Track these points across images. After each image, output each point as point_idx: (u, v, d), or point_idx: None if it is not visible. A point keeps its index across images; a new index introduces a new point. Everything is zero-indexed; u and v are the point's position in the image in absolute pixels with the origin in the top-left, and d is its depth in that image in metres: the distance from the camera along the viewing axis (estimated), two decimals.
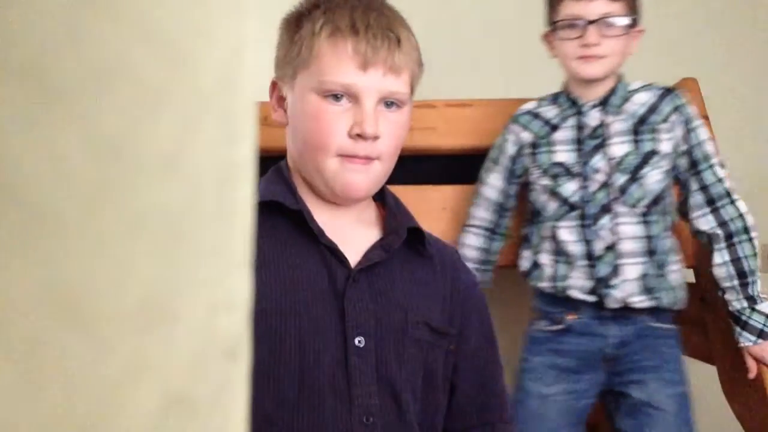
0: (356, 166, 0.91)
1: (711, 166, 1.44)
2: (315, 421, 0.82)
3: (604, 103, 1.47)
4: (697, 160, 1.44)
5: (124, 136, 0.21)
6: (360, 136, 0.90)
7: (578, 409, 1.47)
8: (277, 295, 0.86)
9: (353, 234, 0.95)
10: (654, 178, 1.42)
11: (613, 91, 1.47)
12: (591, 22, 1.40)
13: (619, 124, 1.45)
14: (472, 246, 1.62)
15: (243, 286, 0.27)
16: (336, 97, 0.91)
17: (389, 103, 0.93)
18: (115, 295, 0.21)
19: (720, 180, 1.44)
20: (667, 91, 1.48)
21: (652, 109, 1.45)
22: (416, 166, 1.67)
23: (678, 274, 1.47)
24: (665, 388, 1.40)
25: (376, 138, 0.91)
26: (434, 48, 2.07)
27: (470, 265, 1.59)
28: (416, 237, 0.98)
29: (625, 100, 1.47)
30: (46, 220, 0.19)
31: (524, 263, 1.55)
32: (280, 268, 0.88)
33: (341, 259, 0.90)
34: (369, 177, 0.93)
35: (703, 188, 1.44)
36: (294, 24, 0.96)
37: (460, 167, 1.76)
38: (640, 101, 1.47)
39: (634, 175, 1.42)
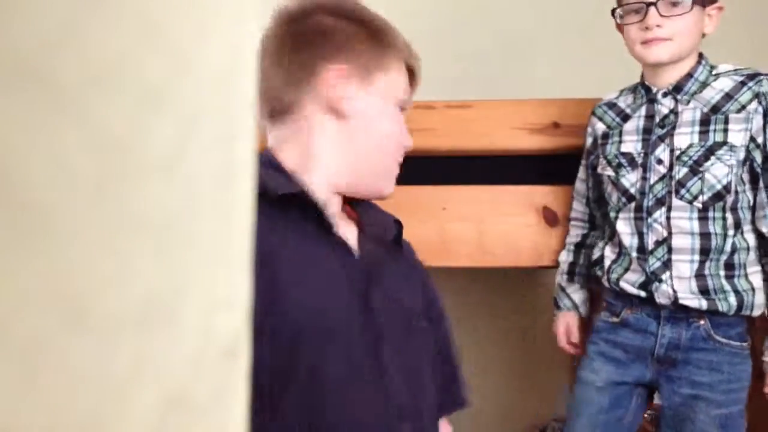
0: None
1: None
2: (360, 416, 0.83)
3: (678, 89, 1.37)
4: None
5: (126, 135, 0.21)
6: (404, 148, 1.00)
7: (623, 400, 1.44)
8: (312, 294, 0.85)
9: (345, 228, 0.95)
10: (718, 171, 1.31)
11: (689, 76, 1.36)
12: (651, 4, 1.32)
13: (688, 113, 1.35)
14: (569, 236, 1.64)
15: (242, 286, 0.27)
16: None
17: None
18: (117, 295, 0.21)
19: None
20: (751, 77, 1.34)
21: (729, 96, 1.33)
22: (416, 166, 1.67)
23: (755, 277, 1.36)
24: (711, 409, 1.34)
25: None
26: (435, 49, 2.07)
27: (564, 254, 1.64)
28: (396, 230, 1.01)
29: (704, 85, 1.36)
30: (48, 220, 0.19)
31: (595, 254, 1.52)
32: (305, 263, 0.87)
33: (350, 252, 0.90)
34: None
35: (738, 191, 1.32)
36: (376, 31, 0.96)
37: (459, 168, 1.76)
38: (719, 87, 1.35)
39: (695, 169, 1.32)
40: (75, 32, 0.19)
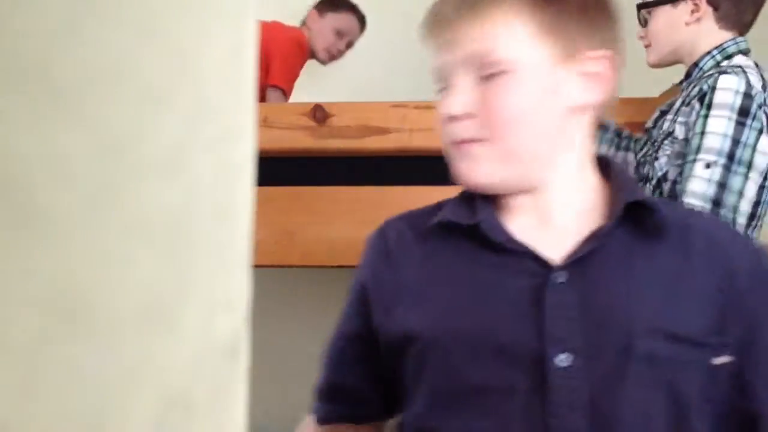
0: None
1: (694, 161, 1.27)
2: None
3: (686, 77, 1.46)
4: (690, 149, 1.30)
5: (127, 136, 0.21)
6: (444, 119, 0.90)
7: None
8: (459, 316, 0.73)
9: (553, 227, 0.77)
10: (661, 160, 1.39)
11: (695, 66, 1.43)
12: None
13: (677, 102, 1.44)
14: None
15: (242, 287, 0.27)
16: None
17: None
18: (118, 295, 0.21)
19: (689, 177, 1.27)
20: (720, 73, 1.33)
21: (695, 87, 1.38)
22: (417, 166, 1.67)
23: None
24: None
25: None
26: None
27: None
28: (645, 214, 0.74)
29: (703, 75, 1.41)
30: (49, 220, 0.19)
31: None
32: (466, 286, 0.75)
33: (536, 259, 0.73)
34: None
35: (677, 181, 1.36)
36: None
37: None
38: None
39: (653, 155, 1.42)
40: (75, 32, 0.19)
